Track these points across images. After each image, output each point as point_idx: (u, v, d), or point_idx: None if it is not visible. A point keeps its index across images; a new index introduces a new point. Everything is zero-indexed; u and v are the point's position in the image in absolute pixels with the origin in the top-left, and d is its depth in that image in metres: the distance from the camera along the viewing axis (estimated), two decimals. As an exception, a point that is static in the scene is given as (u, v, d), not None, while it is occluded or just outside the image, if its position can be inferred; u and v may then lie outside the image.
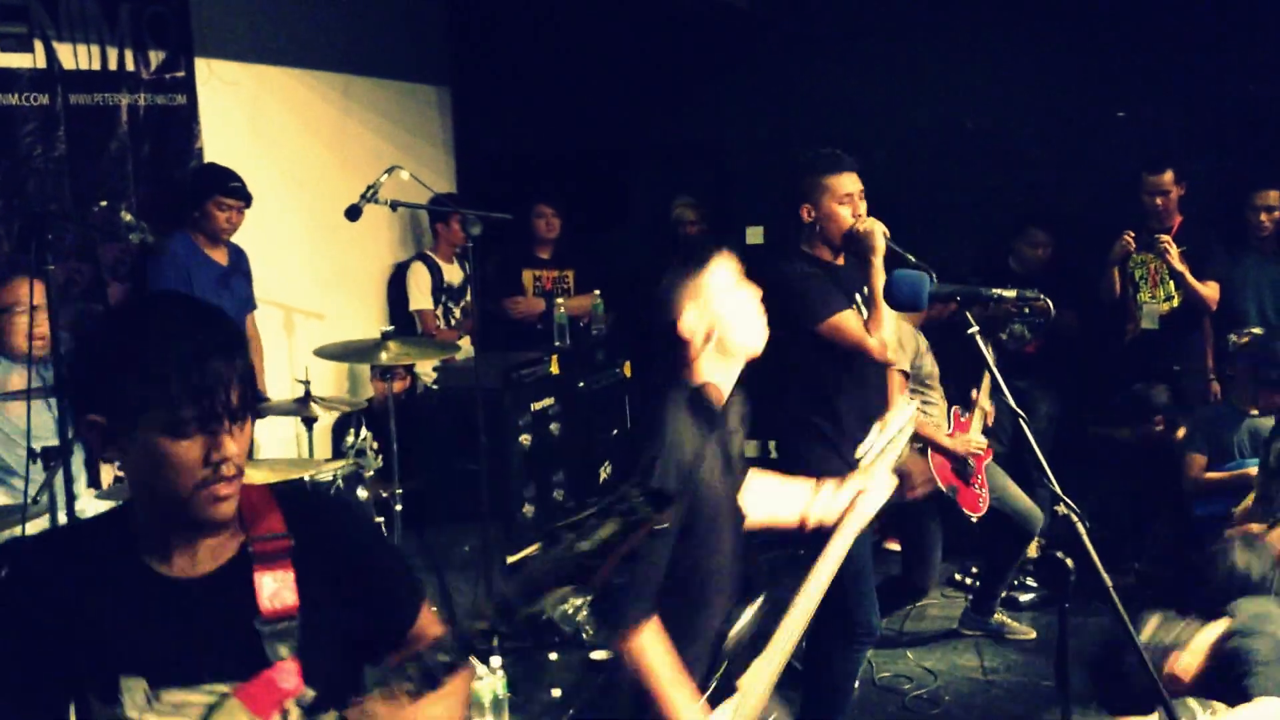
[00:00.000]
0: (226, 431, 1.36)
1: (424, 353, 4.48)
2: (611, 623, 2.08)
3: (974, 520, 4.12)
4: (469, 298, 5.52)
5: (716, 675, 2.18)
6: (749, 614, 2.21)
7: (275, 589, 1.44)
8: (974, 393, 4.26)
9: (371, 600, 1.53)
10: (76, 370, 1.47)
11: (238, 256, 4.66)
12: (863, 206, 3.16)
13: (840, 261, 3.21)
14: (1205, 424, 4.43)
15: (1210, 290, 4.72)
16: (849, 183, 3.13)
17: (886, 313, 3.02)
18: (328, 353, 4.21)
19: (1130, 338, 4.94)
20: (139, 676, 1.39)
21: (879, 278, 3.03)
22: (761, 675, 2.17)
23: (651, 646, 2.05)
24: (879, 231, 3.09)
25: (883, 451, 2.32)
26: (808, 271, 3.15)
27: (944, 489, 4.02)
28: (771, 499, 2.38)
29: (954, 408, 4.26)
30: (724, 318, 2.17)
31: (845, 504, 2.30)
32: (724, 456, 2.20)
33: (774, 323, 2.25)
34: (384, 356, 3.98)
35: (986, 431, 5.28)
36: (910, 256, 2.88)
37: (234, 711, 1.40)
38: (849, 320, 3.09)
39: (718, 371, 2.21)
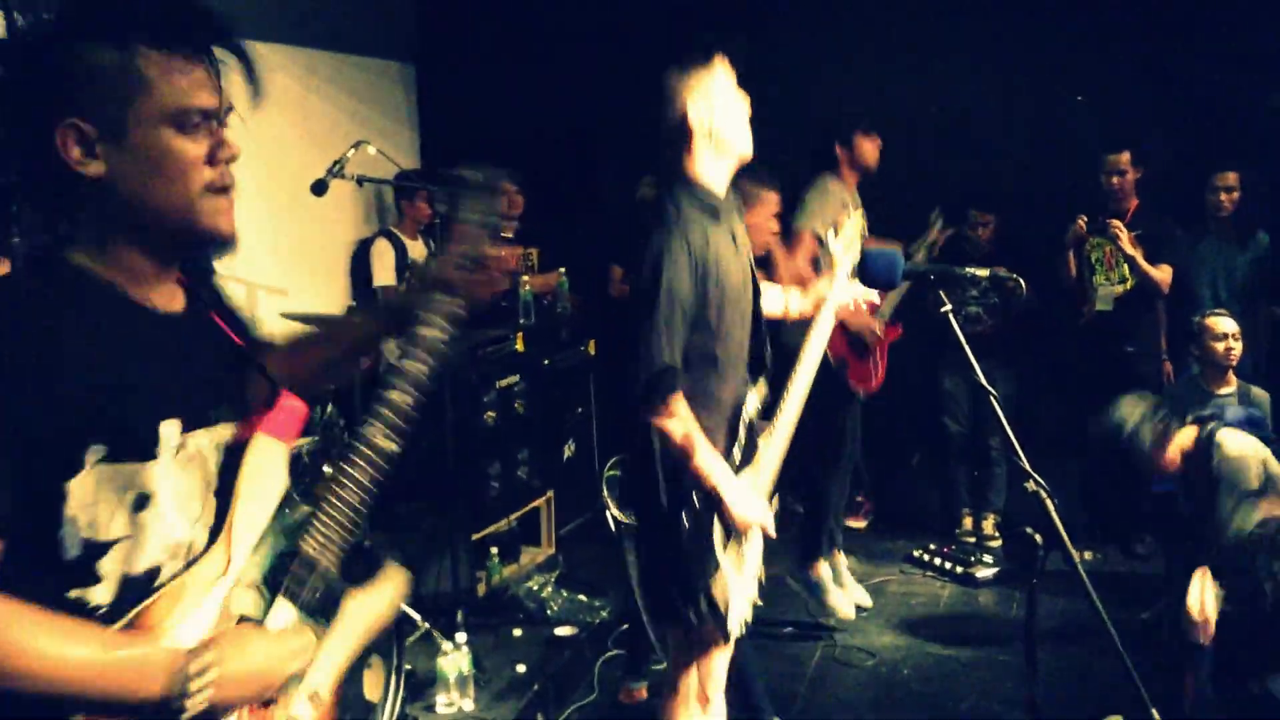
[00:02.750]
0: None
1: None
2: (638, 397, 2.24)
3: (860, 397, 4.23)
4: None
5: (738, 445, 2.38)
6: (758, 396, 2.46)
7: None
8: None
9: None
10: (41, 63, 1.23)
11: None
12: (777, 226, 3.49)
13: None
14: (1170, 402, 4.52)
15: (1163, 273, 4.82)
16: (775, 203, 3.47)
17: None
18: (297, 315, 4.17)
19: (1085, 320, 5.04)
20: (175, 419, 1.29)
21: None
22: (772, 450, 2.43)
23: (684, 417, 2.25)
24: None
25: (841, 260, 2.64)
26: None
27: (831, 359, 4.08)
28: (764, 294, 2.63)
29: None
30: (721, 115, 2.35)
31: (820, 298, 2.64)
32: (732, 241, 2.38)
33: None
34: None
35: (945, 411, 5.38)
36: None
37: (267, 447, 1.38)
38: None
39: (713, 169, 2.39)
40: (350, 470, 1.41)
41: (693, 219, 2.29)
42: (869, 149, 4.42)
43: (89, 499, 1.21)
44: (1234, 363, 4.16)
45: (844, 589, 4.38)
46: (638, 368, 2.24)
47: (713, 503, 2.27)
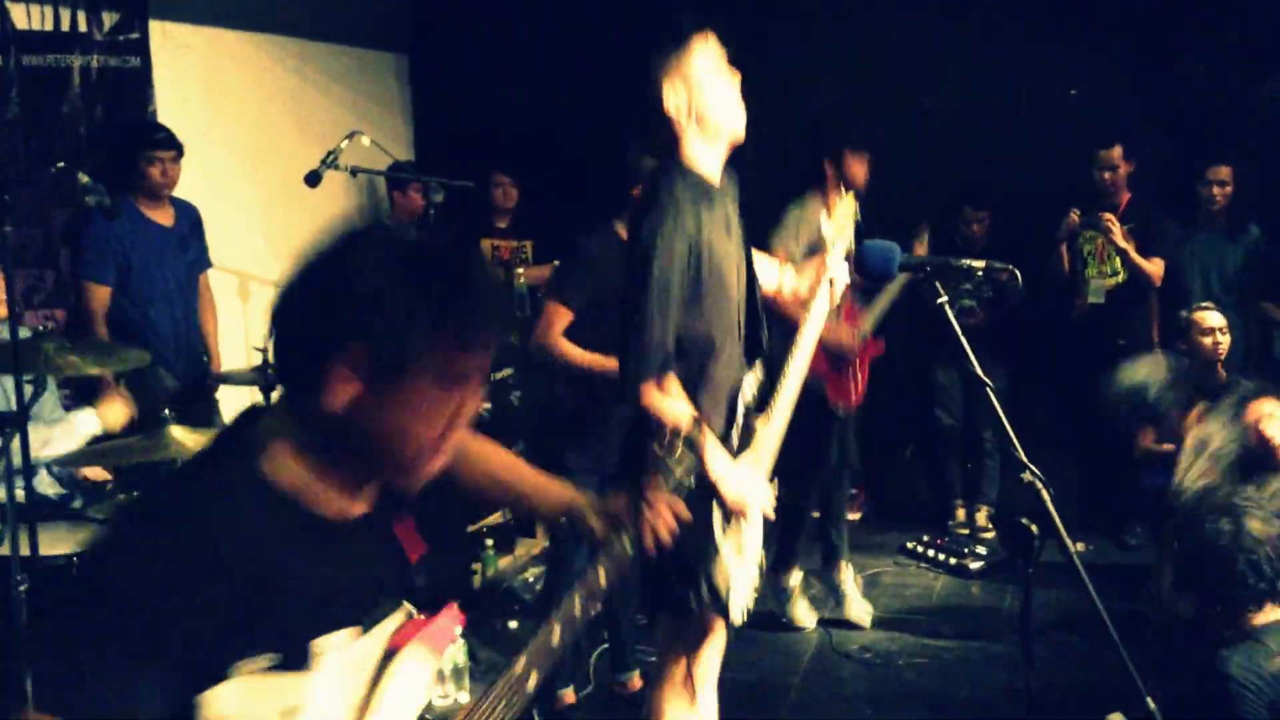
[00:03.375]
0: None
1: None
2: (632, 379, 2.24)
3: (840, 415, 4.23)
4: None
5: (735, 428, 2.38)
6: (753, 380, 2.46)
7: (408, 535, 1.40)
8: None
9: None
10: (352, 299, 1.19)
11: (185, 215, 4.50)
12: None
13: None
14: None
15: (1155, 267, 4.84)
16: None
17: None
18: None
19: (1078, 313, 5.06)
20: (337, 630, 1.26)
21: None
22: (770, 433, 2.44)
23: (674, 398, 2.25)
24: None
25: (834, 241, 2.61)
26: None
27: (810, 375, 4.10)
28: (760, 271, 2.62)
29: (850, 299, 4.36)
30: (703, 97, 2.32)
31: (813, 281, 2.61)
32: (725, 224, 2.37)
33: None
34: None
35: (938, 403, 5.40)
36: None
37: (418, 659, 1.34)
38: None
39: (703, 152, 2.36)
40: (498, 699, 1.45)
41: (685, 202, 2.27)
42: (857, 168, 4.34)
43: (233, 712, 1.16)
44: (1222, 356, 4.19)
45: (847, 600, 4.37)
46: (629, 350, 2.23)
47: (710, 487, 2.27)
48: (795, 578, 4.35)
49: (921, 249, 4.62)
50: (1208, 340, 4.17)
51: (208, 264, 4.65)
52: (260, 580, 1.18)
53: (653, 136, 2.39)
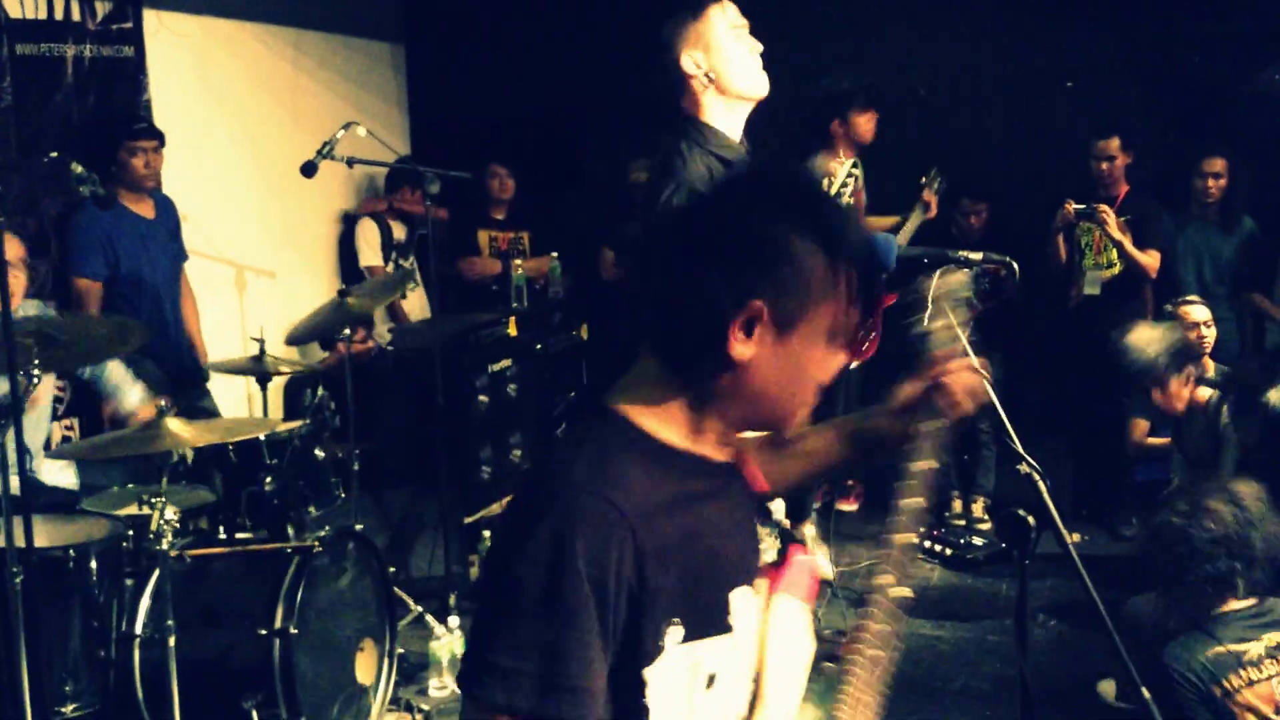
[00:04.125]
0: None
1: (382, 296, 4.45)
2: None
3: (851, 366, 4.26)
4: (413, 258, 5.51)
5: None
6: None
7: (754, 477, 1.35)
8: None
9: None
10: (753, 244, 1.17)
11: (165, 208, 4.46)
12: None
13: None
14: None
15: (1151, 259, 4.85)
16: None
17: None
18: (296, 338, 4.20)
19: (1073, 304, 5.07)
20: (743, 585, 1.23)
21: None
22: None
23: None
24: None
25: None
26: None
27: None
28: None
29: None
30: (721, 58, 2.32)
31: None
32: None
33: None
34: (351, 305, 3.96)
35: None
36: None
37: (791, 609, 1.28)
38: None
39: (724, 116, 2.36)
40: (872, 629, 1.33)
41: (700, 169, 2.26)
42: (865, 124, 4.44)
43: (668, 687, 1.13)
44: (1207, 350, 4.22)
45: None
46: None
47: None
48: (809, 530, 4.35)
49: (929, 195, 4.62)
50: (1192, 334, 4.20)
51: (185, 256, 4.63)
52: (678, 538, 1.14)
53: (671, 102, 2.38)
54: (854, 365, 4.33)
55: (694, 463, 1.20)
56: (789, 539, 1.33)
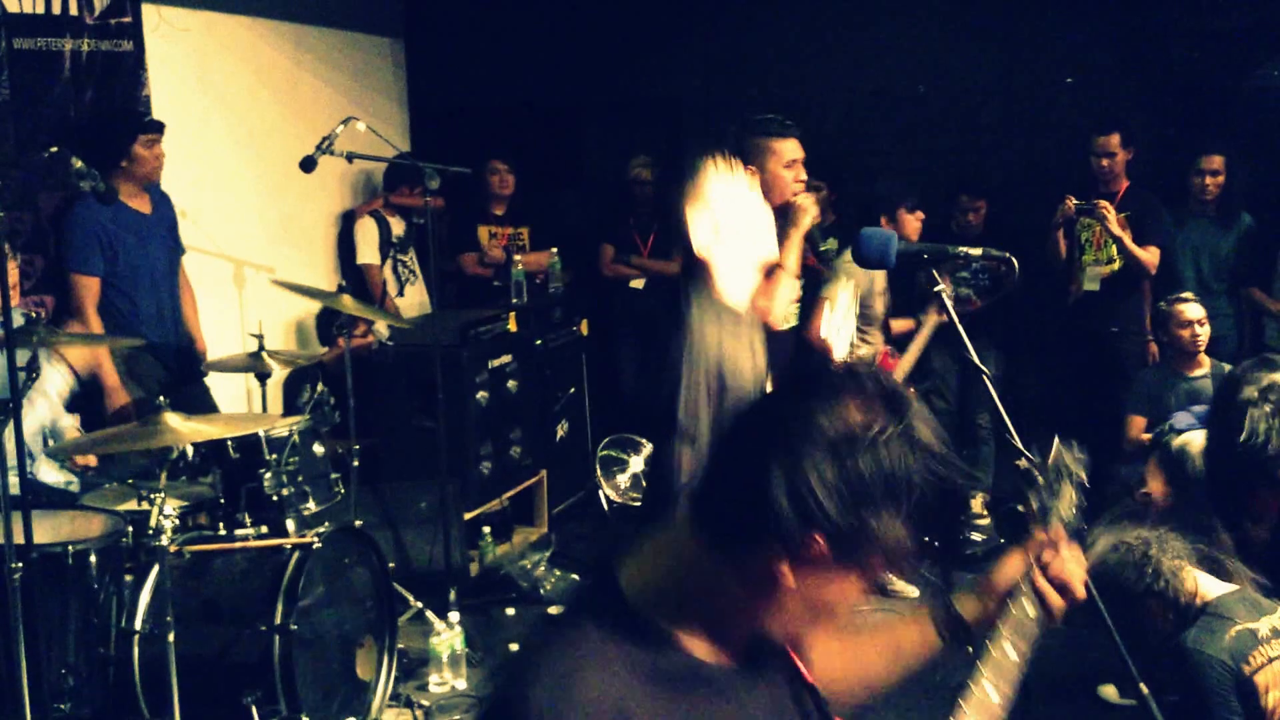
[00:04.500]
0: None
1: (370, 312, 4.47)
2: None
3: None
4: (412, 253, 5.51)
5: None
6: None
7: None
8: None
9: None
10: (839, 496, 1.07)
11: (161, 203, 4.44)
12: (804, 174, 3.22)
13: None
14: (1144, 386, 4.57)
15: (1150, 255, 4.84)
16: (794, 149, 3.17)
17: (786, 287, 3.08)
18: (288, 284, 4.18)
19: (1073, 299, 5.07)
20: None
21: (792, 252, 3.08)
22: None
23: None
24: (812, 209, 3.15)
25: (832, 311, 2.55)
26: None
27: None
28: None
29: (886, 347, 4.45)
30: (726, 223, 2.34)
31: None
32: (750, 350, 2.42)
33: None
34: (344, 303, 3.98)
35: (933, 390, 5.42)
36: (824, 246, 3.02)
37: None
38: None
39: (734, 281, 2.37)
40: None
41: (708, 334, 2.37)
42: (913, 225, 4.59)
43: None
44: (1199, 349, 4.22)
45: None
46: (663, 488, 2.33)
47: None
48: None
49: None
50: (1185, 333, 4.21)
51: (183, 250, 4.62)
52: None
53: (690, 268, 2.43)
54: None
55: (690, 663, 1.11)
56: None
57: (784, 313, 3.14)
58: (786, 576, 1.07)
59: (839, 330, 2.55)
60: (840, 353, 2.60)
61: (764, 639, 1.17)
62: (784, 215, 3.14)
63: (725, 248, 2.34)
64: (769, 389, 2.51)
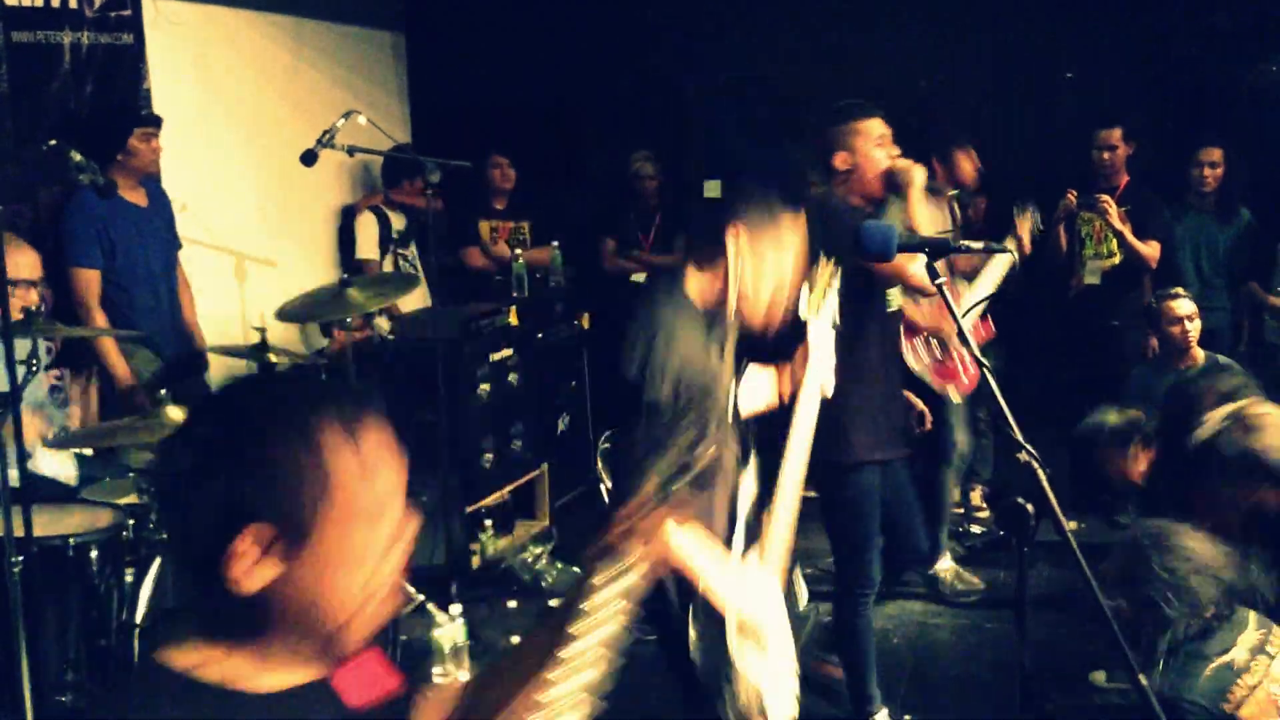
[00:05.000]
0: None
1: (384, 292, 4.41)
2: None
3: (956, 402, 4.23)
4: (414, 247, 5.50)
5: (736, 533, 2.36)
6: (750, 483, 2.42)
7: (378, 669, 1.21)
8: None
9: None
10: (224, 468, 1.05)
11: (158, 196, 4.44)
12: (895, 149, 3.18)
13: (870, 210, 3.21)
14: (1138, 381, 4.57)
15: (1151, 249, 4.85)
16: (879, 126, 3.15)
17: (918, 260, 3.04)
18: (288, 314, 4.15)
19: (1073, 293, 5.07)
20: None
21: (918, 211, 3.08)
22: (776, 531, 2.38)
23: (665, 530, 2.15)
24: (918, 167, 3.13)
25: (815, 313, 2.51)
26: (858, 210, 3.14)
27: (916, 368, 4.12)
28: (752, 392, 2.59)
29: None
30: (747, 288, 2.33)
31: (801, 366, 2.52)
32: (719, 349, 2.36)
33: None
34: (351, 296, 3.93)
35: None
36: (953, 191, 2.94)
37: None
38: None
39: (698, 288, 2.37)
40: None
41: (675, 326, 2.27)
42: (967, 165, 4.42)
43: None
44: (1190, 344, 4.23)
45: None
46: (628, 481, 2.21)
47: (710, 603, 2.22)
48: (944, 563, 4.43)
49: (1023, 228, 4.58)
50: (1176, 329, 4.23)
51: (180, 244, 4.62)
52: None
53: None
54: (951, 396, 4.31)
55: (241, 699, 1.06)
56: None
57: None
58: (261, 575, 1.04)
59: (826, 353, 2.48)
60: (829, 378, 2.54)
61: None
62: (890, 185, 3.15)
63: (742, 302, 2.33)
64: (731, 391, 2.46)
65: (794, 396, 2.50)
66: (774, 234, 2.34)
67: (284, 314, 4.14)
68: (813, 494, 5.25)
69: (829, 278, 2.54)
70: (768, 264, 2.34)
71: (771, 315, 2.39)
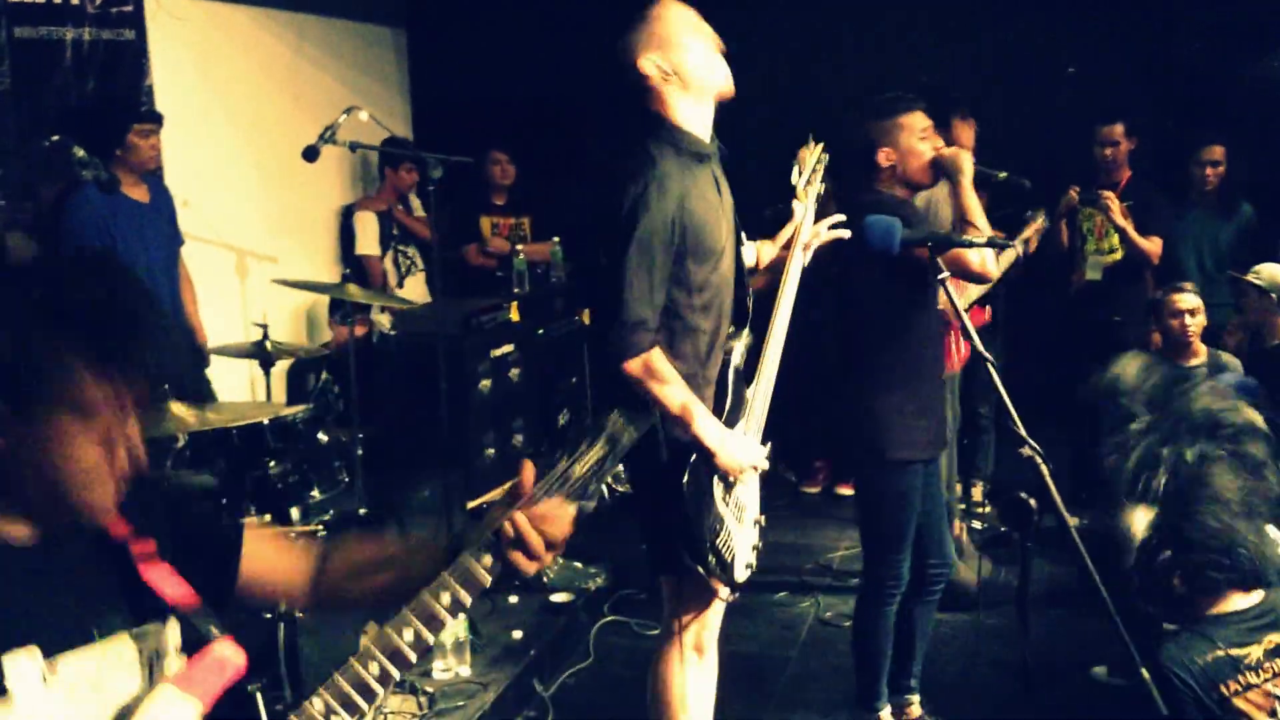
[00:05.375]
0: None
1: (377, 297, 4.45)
2: (616, 354, 2.21)
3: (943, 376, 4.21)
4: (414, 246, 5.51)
5: (728, 396, 2.40)
6: (742, 345, 2.46)
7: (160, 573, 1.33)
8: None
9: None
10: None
11: (159, 192, 4.44)
12: (939, 139, 3.16)
13: (913, 198, 3.19)
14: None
15: (1153, 245, 4.85)
16: (922, 119, 3.13)
17: (980, 232, 2.99)
18: (290, 281, 4.16)
19: (1075, 289, 5.08)
20: (26, 648, 1.21)
21: (970, 197, 3.04)
22: (760, 396, 2.46)
23: (664, 370, 2.24)
24: (965, 153, 3.10)
25: (809, 182, 2.58)
26: (906, 201, 3.10)
27: None
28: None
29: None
30: (681, 54, 2.32)
31: (788, 240, 2.58)
32: (715, 185, 2.36)
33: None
34: (350, 291, 3.98)
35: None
36: (1001, 174, 2.94)
37: (171, 705, 1.25)
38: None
39: (690, 112, 2.35)
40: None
41: (671, 168, 2.26)
42: (966, 135, 4.30)
43: None
44: (1190, 339, 4.24)
45: (961, 559, 4.27)
46: (613, 322, 2.21)
47: (705, 454, 2.29)
48: None
49: (1031, 229, 4.53)
50: (1175, 322, 4.22)
51: (181, 240, 4.62)
52: None
53: (638, 106, 2.36)
54: (946, 373, 4.29)
55: None
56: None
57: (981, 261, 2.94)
58: None
59: (809, 227, 2.61)
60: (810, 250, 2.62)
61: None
62: (938, 175, 3.12)
63: (682, 83, 2.32)
64: (744, 253, 2.51)
65: (777, 265, 2.56)
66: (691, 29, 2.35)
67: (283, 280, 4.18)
68: (847, 491, 5.35)
69: (817, 157, 2.59)
70: (687, 48, 2.34)
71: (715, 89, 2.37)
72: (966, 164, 3.05)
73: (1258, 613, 2.36)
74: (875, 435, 2.91)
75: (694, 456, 2.30)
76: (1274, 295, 4.35)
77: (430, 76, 6.29)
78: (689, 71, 2.32)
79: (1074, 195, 4.93)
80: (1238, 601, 2.36)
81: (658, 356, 2.25)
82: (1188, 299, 4.23)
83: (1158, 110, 5.20)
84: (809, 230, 2.61)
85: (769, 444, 2.52)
